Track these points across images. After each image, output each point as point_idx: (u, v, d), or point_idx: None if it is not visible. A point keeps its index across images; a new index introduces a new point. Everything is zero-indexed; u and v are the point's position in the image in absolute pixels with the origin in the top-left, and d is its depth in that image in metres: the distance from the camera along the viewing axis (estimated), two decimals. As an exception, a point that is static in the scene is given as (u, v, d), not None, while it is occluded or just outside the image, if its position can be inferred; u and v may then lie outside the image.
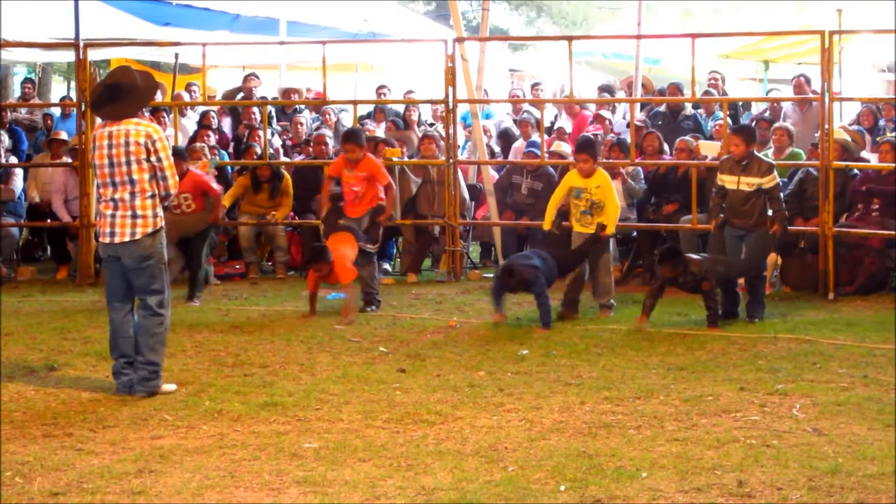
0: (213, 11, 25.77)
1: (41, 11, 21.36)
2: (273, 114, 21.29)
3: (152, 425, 9.79)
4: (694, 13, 43.35)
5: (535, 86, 24.44)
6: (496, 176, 19.22)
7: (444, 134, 18.44)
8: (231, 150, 20.35)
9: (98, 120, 12.33)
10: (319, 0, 27.79)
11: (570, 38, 19.68)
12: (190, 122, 21.25)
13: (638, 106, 20.19)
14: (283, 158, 19.70)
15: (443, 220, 18.37)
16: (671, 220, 17.34)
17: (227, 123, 21.39)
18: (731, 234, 14.24)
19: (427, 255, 19.10)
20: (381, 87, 23.30)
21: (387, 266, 19.01)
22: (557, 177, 17.71)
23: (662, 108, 20.53)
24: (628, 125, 18.88)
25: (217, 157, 18.87)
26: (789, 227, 15.45)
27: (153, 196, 10.88)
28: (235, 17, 25.61)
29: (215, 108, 21.65)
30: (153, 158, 10.81)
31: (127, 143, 10.76)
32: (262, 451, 8.95)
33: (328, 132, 20.02)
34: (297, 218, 18.27)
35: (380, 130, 20.79)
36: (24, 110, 22.09)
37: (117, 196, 10.87)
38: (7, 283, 18.20)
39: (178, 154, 14.45)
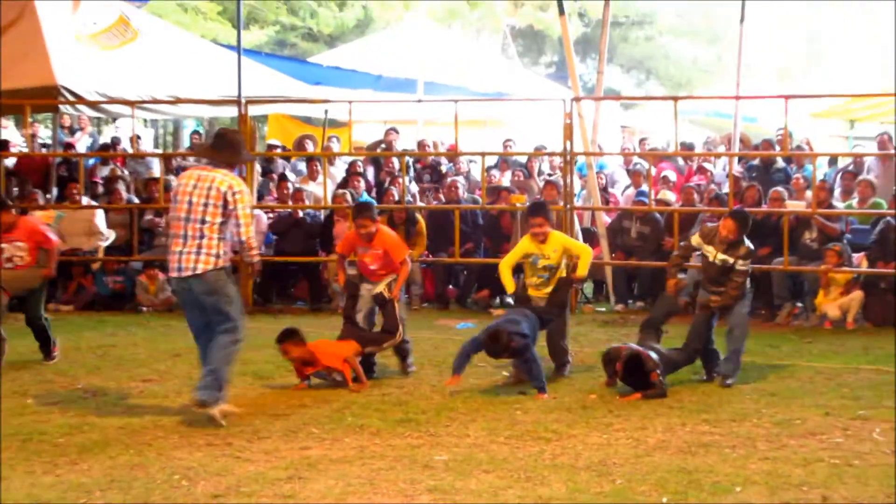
0: (358, 73, 26.07)
1: (209, 72, 21.68)
2: (410, 164, 21.41)
3: (301, 437, 9.90)
4: (787, 76, 43.05)
5: (643, 140, 24.48)
6: (608, 220, 19.19)
7: (562, 182, 18.47)
8: (374, 194, 20.48)
9: (191, 160, 12.32)
10: (453, 63, 28.00)
11: (675, 99, 19.65)
12: (338, 170, 21.42)
13: (736, 159, 20.14)
14: (419, 203, 19.82)
15: None
16: (764, 262, 17.11)
17: (370, 171, 21.53)
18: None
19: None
20: (506, 140, 23.34)
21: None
22: (663, 222, 17.73)
23: (757, 162, 20.40)
24: (727, 176, 18.94)
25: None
26: (872, 269, 15.39)
27: (220, 239, 10.81)
28: (378, 78, 25.86)
29: (360, 158, 21.82)
30: (230, 207, 10.76)
31: (209, 188, 10.70)
32: (397, 461, 9.03)
33: (460, 179, 20.17)
34: (430, 256, 18.33)
35: (505, 179, 20.89)
36: (192, 159, 22.41)
37: (188, 233, 10.78)
38: (178, 310, 18.43)
39: (2, 204, 13.48)
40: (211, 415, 10.51)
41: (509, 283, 12.81)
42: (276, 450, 9.49)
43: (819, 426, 10.31)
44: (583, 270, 12.69)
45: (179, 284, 10.97)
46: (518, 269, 12.95)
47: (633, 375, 11.68)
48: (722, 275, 12.42)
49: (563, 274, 12.73)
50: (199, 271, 10.77)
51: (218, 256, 10.83)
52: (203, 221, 10.79)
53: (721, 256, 12.35)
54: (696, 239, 12.73)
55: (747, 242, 12.55)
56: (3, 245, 11.00)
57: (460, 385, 11.83)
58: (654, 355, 11.74)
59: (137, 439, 9.82)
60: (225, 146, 11.24)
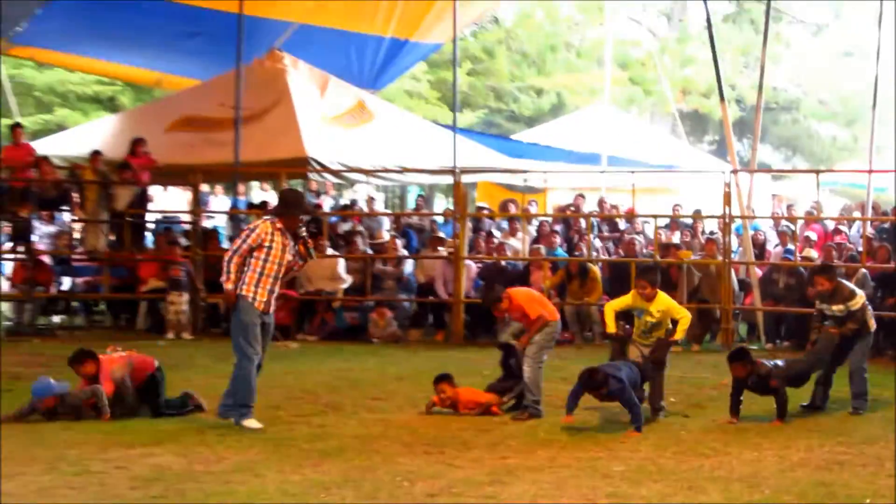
0: (553, 148, 26.13)
1: (430, 147, 21.94)
2: (595, 224, 21.39)
3: (501, 449, 9.91)
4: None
5: (790, 206, 24.09)
6: (760, 273, 18.99)
7: (722, 241, 18.37)
8: (565, 248, 20.51)
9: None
10: (631, 140, 27.93)
11: (817, 172, 19.57)
12: (534, 228, 21.49)
13: (869, 223, 20.04)
14: (602, 256, 19.83)
15: (719, 305, 18.20)
16: (893, 310, 16.92)
17: (560, 229, 21.53)
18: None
19: (708, 330, 18.82)
20: (675, 205, 23.14)
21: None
22: (807, 275, 17.44)
23: (887, 225, 20.08)
24: (861, 237, 18.99)
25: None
26: None
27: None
28: (569, 153, 25.86)
29: (550, 218, 21.87)
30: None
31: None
32: (581, 471, 9.00)
33: (638, 237, 20.18)
34: (609, 299, 18.28)
35: (675, 237, 20.74)
36: (416, 218, 22.65)
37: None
38: (403, 340, 18.74)
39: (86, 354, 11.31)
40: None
41: (610, 324, 11.90)
42: (481, 458, 9.52)
43: None
44: (680, 334, 12.04)
45: (268, 318, 11.05)
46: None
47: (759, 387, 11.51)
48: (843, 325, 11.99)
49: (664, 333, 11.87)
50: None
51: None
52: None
53: (837, 308, 11.96)
54: (817, 304, 12.32)
55: (849, 285, 12.37)
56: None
57: (573, 422, 11.03)
58: (769, 363, 11.58)
59: (368, 447, 9.93)
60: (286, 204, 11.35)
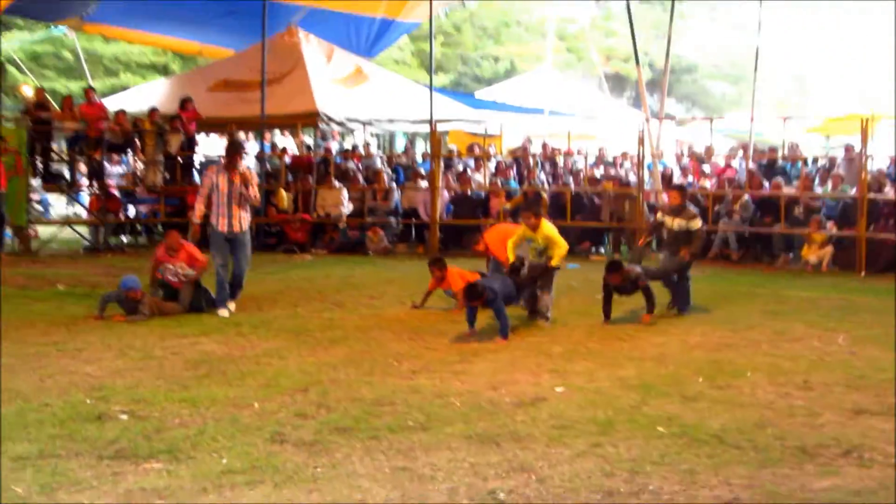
0: (506, 104, 25.98)
1: (412, 102, 21.77)
2: (539, 161, 21.26)
3: (468, 336, 9.97)
4: (788, 104, 42.17)
5: (690, 147, 23.90)
6: (667, 199, 18.87)
7: (637, 174, 18.24)
8: (517, 181, 20.42)
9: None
10: (567, 97, 27.75)
11: (711, 119, 19.72)
12: (493, 164, 21.40)
13: (750, 159, 19.87)
14: (546, 187, 19.78)
15: (634, 224, 17.94)
16: (768, 226, 17.05)
17: (514, 166, 21.37)
18: (666, 253, 11.74)
19: (624, 242, 18.67)
20: (601, 147, 22.88)
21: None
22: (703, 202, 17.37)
23: (764, 161, 19.93)
24: (745, 170, 18.99)
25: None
26: (839, 231, 15.10)
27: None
28: (519, 107, 25.74)
29: (507, 158, 21.77)
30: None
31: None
32: (529, 352, 9.08)
33: (570, 177, 20.06)
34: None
35: (598, 172, 20.58)
36: (403, 158, 22.52)
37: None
38: (392, 253, 18.74)
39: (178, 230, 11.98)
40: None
41: (511, 255, 10.76)
42: (452, 344, 9.57)
43: (803, 334, 10.19)
44: (556, 261, 10.77)
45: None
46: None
47: (625, 288, 10.84)
48: (675, 235, 11.35)
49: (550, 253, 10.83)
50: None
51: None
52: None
53: (678, 222, 11.34)
54: (659, 214, 11.75)
55: (691, 207, 11.64)
56: (170, 265, 11.08)
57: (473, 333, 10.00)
58: (637, 269, 10.99)
59: (366, 335, 9.96)
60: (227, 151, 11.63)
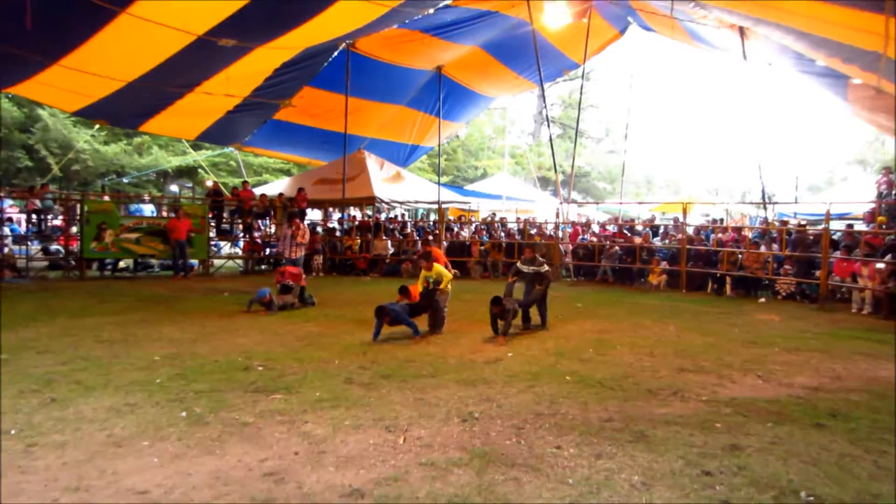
0: (483, 193, 25.78)
1: (428, 192, 21.53)
2: (498, 225, 21.01)
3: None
4: (650, 189, 42.13)
5: (586, 218, 23.59)
6: (571, 247, 18.58)
7: (555, 232, 17.91)
8: (487, 236, 20.09)
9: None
10: (517, 188, 27.56)
11: (597, 203, 18.91)
12: (472, 227, 21.06)
13: (615, 226, 19.33)
14: (504, 239, 19.50)
15: (554, 261, 17.01)
16: (626, 263, 16.57)
17: (485, 229, 20.99)
18: (526, 289, 9.26)
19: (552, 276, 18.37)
20: (534, 217, 22.65)
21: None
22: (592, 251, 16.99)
23: (627, 227, 19.49)
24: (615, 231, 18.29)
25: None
26: (670, 266, 14.71)
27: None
28: (489, 194, 25.39)
29: (481, 224, 21.39)
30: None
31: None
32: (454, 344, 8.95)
33: (502, 235, 19.82)
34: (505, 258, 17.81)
35: (534, 230, 20.33)
36: (421, 223, 22.21)
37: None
38: (416, 276, 18.25)
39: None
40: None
41: (420, 287, 9.00)
42: (446, 330, 9.01)
43: (650, 325, 9.85)
44: (443, 285, 8.86)
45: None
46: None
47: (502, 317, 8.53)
48: (533, 279, 9.19)
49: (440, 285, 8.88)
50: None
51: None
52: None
53: (532, 269, 9.21)
54: (519, 264, 9.38)
55: (541, 259, 9.55)
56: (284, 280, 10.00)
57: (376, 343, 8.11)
58: (510, 304, 8.57)
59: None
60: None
